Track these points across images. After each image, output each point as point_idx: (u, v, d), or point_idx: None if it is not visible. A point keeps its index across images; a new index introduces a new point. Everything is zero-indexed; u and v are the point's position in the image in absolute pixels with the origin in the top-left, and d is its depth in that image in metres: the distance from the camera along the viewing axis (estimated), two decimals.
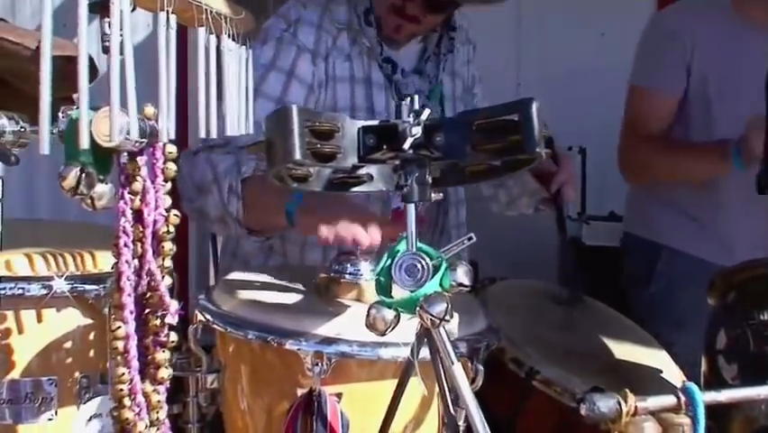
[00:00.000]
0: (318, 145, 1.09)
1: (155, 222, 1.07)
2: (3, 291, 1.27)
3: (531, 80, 3.49)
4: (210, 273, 3.15)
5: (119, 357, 1.07)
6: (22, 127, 0.98)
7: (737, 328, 1.42)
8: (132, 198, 1.04)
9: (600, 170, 3.15)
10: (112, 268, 1.08)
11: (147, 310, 1.10)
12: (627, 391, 1.17)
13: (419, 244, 1.10)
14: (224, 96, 1.11)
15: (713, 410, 1.20)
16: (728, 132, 2.15)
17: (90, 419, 1.32)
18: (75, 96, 0.91)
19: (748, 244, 2.19)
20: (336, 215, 1.41)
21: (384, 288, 1.10)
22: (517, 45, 3.69)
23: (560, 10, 3.51)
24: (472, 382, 1.28)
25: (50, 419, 1.30)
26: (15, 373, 1.29)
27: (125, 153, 1.02)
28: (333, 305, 1.35)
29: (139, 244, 1.06)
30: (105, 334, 1.16)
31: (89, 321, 1.33)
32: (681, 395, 1.18)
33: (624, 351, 1.71)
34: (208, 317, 1.34)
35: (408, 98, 1.12)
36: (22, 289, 1.28)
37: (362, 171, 1.19)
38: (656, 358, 1.74)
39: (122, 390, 1.08)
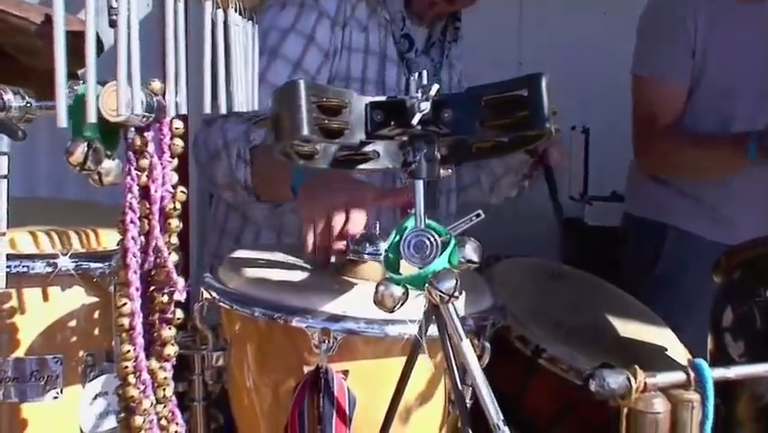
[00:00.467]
0: (326, 121, 1.07)
1: (162, 198, 1.06)
2: (7, 269, 1.26)
3: (532, 60, 3.45)
4: None
5: (124, 334, 1.06)
6: (28, 102, 0.97)
7: (744, 306, 1.43)
8: (139, 174, 1.03)
9: (602, 150, 3.15)
10: (117, 245, 1.07)
11: (152, 288, 1.09)
12: (637, 367, 1.17)
13: (428, 221, 1.09)
14: (231, 71, 1.09)
15: (719, 387, 1.20)
16: (724, 106, 2.18)
17: (96, 398, 1.31)
18: (80, 71, 0.90)
19: (752, 222, 2.19)
20: (334, 196, 1.40)
21: (392, 265, 1.09)
22: (519, 24, 3.67)
23: None
24: (479, 359, 1.27)
25: (55, 397, 1.29)
26: (20, 352, 1.28)
27: (132, 129, 1.00)
28: (340, 282, 1.35)
29: (145, 221, 1.05)
30: (110, 312, 1.15)
31: (94, 299, 1.33)
32: (690, 371, 1.18)
33: (629, 329, 1.72)
34: (214, 294, 1.33)
35: (417, 74, 1.11)
36: (27, 267, 1.27)
37: (368, 148, 1.18)
38: (662, 336, 1.74)
39: (126, 367, 1.07)
